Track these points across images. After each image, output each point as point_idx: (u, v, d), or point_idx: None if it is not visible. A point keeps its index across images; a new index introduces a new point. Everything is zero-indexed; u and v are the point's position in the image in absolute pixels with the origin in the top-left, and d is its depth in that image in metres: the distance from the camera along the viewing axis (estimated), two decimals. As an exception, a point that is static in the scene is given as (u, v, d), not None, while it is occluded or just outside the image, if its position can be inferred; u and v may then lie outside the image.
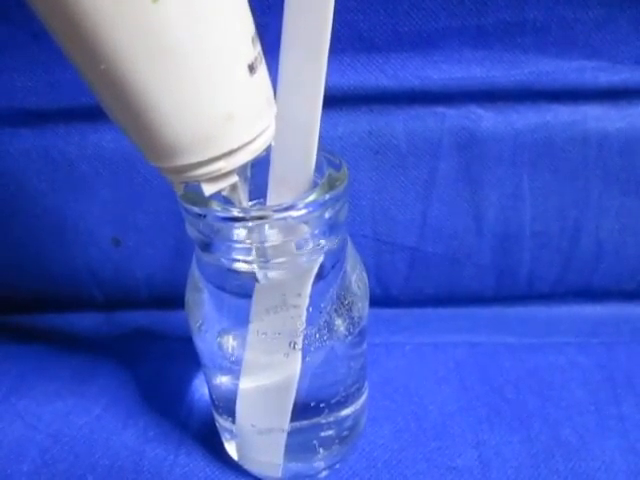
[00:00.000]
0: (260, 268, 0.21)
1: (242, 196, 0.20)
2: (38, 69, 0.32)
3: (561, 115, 0.33)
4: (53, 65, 0.32)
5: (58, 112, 0.33)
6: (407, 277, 0.39)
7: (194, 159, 0.16)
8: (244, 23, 0.16)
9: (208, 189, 0.18)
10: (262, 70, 0.17)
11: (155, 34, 0.13)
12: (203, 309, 0.25)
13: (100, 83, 0.15)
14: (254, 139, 0.17)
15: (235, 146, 0.17)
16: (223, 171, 0.17)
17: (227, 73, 0.15)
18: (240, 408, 0.25)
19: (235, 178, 0.18)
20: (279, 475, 0.28)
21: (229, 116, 0.16)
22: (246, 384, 0.24)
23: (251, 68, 0.16)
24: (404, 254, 0.38)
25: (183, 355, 0.37)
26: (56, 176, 0.35)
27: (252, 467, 0.29)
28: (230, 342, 0.24)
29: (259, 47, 0.16)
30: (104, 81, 0.14)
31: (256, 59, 0.16)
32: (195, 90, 0.15)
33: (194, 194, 0.21)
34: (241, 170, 0.18)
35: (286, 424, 0.26)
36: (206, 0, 0.14)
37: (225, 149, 0.16)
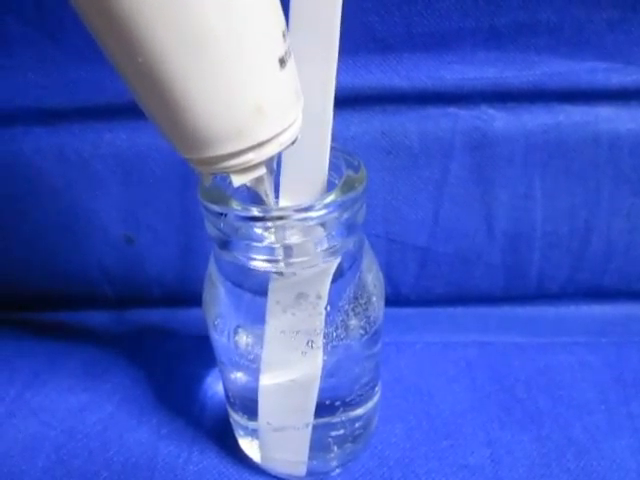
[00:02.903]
0: (279, 267, 0.22)
1: (268, 188, 0.20)
2: (53, 68, 0.32)
3: (573, 116, 0.33)
4: (68, 64, 0.32)
5: (73, 111, 0.33)
6: (418, 276, 0.39)
7: (224, 151, 0.16)
8: (276, 16, 0.16)
9: (237, 180, 0.18)
10: (291, 64, 0.17)
11: (191, 26, 0.14)
12: (220, 306, 0.25)
13: (136, 76, 0.15)
14: (283, 131, 0.17)
15: (264, 138, 0.17)
16: (252, 163, 0.17)
17: (259, 66, 0.16)
18: (260, 406, 0.26)
19: (263, 170, 0.18)
20: (303, 474, 0.29)
21: (259, 109, 0.16)
22: (265, 382, 0.25)
23: (282, 62, 0.16)
24: (415, 254, 0.38)
25: (196, 353, 0.37)
26: (70, 174, 0.35)
27: (275, 467, 0.29)
28: (246, 339, 0.25)
29: (289, 41, 0.17)
30: (140, 74, 0.15)
31: (286, 53, 0.16)
32: (228, 82, 0.15)
33: (214, 192, 0.21)
34: (268, 162, 0.18)
35: (301, 422, 0.26)
36: None
37: (255, 141, 0.17)
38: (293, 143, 0.19)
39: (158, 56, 0.14)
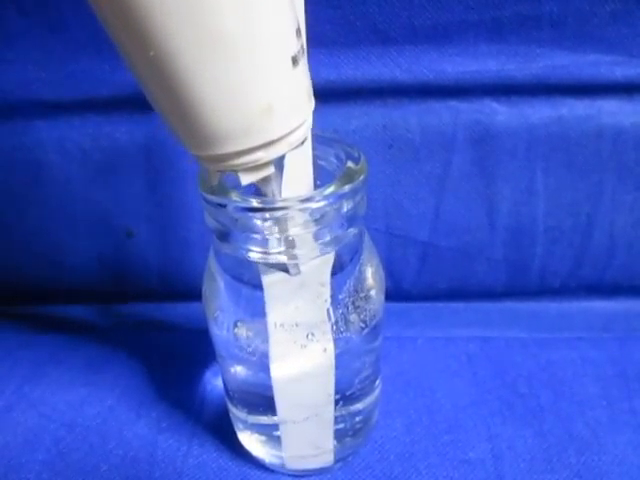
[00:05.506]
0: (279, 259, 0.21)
1: (275, 187, 0.20)
2: (53, 60, 0.32)
3: (576, 109, 0.33)
4: (68, 57, 0.32)
5: (73, 103, 0.33)
6: (419, 271, 0.39)
7: (234, 148, 0.16)
8: (290, 14, 0.16)
9: (245, 179, 0.18)
10: (304, 63, 0.17)
11: (205, 22, 0.14)
12: (219, 300, 0.25)
13: (147, 69, 0.15)
14: (293, 131, 0.17)
15: (275, 137, 0.17)
16: (261, 162, 0.17)
17: (272, 64, 0.15)
18: (277, 402, 0.25)
19: (272, 169, 0.18)
20: (332, 461, 0.28)
21: (270, 107, 0.16)
22: (275, 374, 0.24)
23: (294, 60, 0.16)
24: (416, 248, 0.38)
25: (195, 346, 0.37)
26: (70, 167, 0.35)
27: (301, 464, 0.29)
28: (246, 333, 0.24)
29: (302, 39, 0.16)
30: (151, 67, 0.15)
31: (299, 51, 0.16)
32: (240, 79, 0.15)
33: (215, 184, 0.21)
34: (277, 161, 0.18)
35: (320, 411, 0.26)
36: None
37: (265, 139, 0.16)
38: (302, 143, 0.18)
39: (170, 49, 0.14)
